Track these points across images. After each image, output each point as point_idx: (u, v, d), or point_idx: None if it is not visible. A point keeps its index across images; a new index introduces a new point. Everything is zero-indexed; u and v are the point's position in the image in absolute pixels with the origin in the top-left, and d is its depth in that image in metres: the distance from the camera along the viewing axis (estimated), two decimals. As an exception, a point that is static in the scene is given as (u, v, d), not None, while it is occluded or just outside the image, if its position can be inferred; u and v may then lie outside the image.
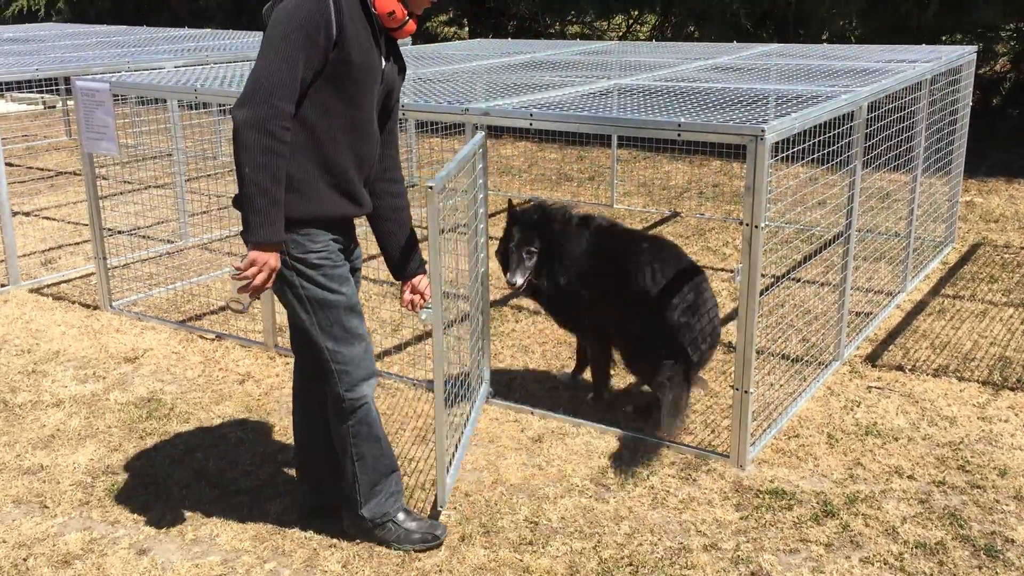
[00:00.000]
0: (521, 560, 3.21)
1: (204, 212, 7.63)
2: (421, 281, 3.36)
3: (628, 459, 3.86)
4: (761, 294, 3.66)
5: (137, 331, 5.37)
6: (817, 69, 5.41)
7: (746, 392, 3.69)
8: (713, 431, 4.06)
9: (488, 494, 3.63)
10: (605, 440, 4.01)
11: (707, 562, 3.18)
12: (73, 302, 5.86)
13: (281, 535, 3.38)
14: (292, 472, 3.79)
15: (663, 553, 3.23)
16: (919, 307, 5.58)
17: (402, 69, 3.17)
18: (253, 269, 2.86)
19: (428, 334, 5.24)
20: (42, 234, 7.43)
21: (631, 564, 3.18)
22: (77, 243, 7.23)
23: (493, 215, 7.85)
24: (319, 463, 3.36)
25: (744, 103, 4.13)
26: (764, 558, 3.19)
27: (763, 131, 3.42)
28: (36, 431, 4.20)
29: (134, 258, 6.65)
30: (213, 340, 5.21)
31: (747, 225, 3.54)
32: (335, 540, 3.34)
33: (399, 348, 5.08)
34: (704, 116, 3.76)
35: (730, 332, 5.23)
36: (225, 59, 7.41)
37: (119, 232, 7.43)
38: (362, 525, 3.27)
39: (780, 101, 4.11)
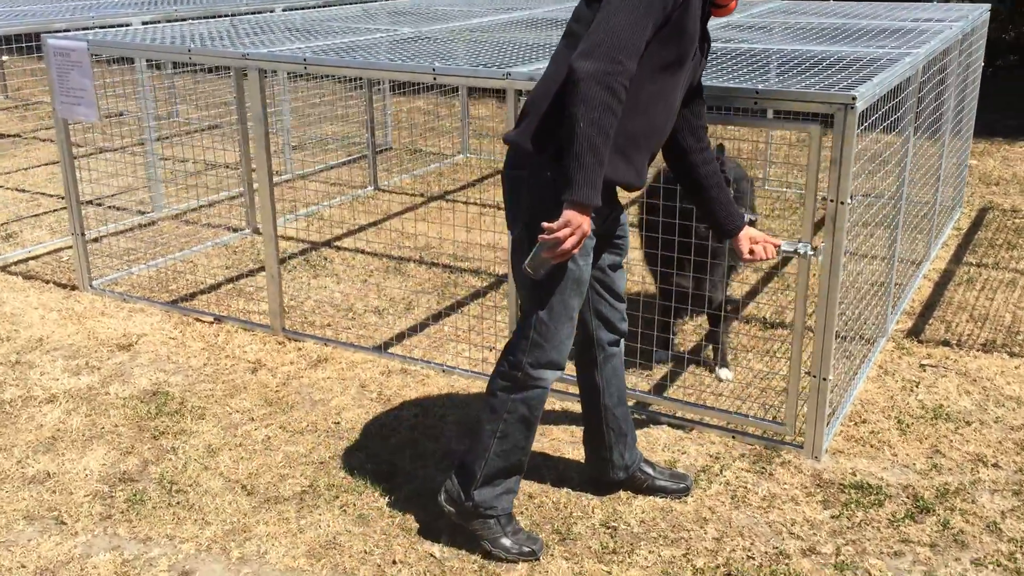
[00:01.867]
0: (609, 572, 2.94)
1: (172, 180, 7.14)
2: (751, 232, 3.19)
3: (694, 452, 3.61)
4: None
5: (124, 314, 4.93)
6: (847, 28, 5.15)
7: (824, 379, 3.46)
8: (773, 418, 3.83)
9: (555, 495, 3.34)
10: (663, 431, 3.76)
11: (810, 569, 2.95)
12: (46, 281, 5.38)
13: (337, 549, 3.06)
14: (334, 475, 3.46)
15: (760, 559, 2.99)
16: (946, 276, 5.42)
17: (710, 42, 3.01)
18: (566, 230, 2.59)
19: (444, 315, 4.91)
20: (-4, 204, 6.86)
21: (728, 574, 2.93)
22: (36, 215, 6.69)
23: (477, 182, 7.51)
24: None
25: (797, 66, 3.84)
26: (870, 563, 2.97)
27: (854, 98, 3.15)
28: (33, 432, 3.78)
29: (106, 231, 6.16)
30: (212, 323, 4.81)
31: (832, 201, 3.28)
32: (397, 554, 3.03)
33: (417, 330, 4.74)
34: (767, 82, 3.46)
35: (783, 311, 5.01)
36: (195, 14, 6.89)
37: (86, 203, 6.90)
38: (464, 506, 3.01)
39: (834, 65, 3.84)
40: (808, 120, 3.35)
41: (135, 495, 3.36)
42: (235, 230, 6.29)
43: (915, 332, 4.65)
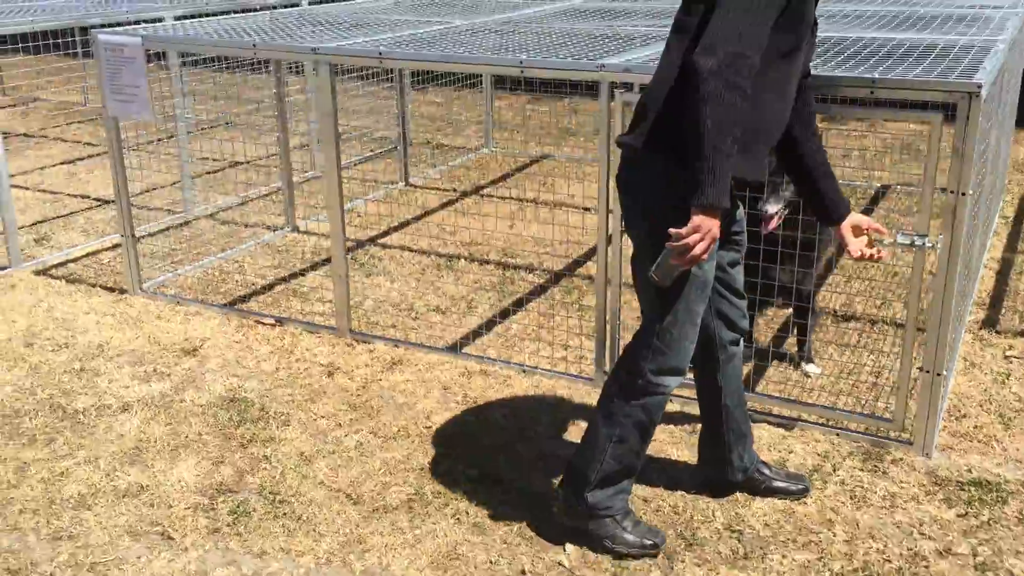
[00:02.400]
0: (746, 578, 2.87)
1: (206, 179, 6.98)
2: (855, 218, 3.07)
3: (801, 451, 3.54)
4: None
5: (181, 317, 4.79)
6: (912, 16, 5.08)
7: (939, 375, 3.40)
8: (870, 412, 3.77)
9: (671, 499, 3.26)
10: (764, 430, 3.69)
11: (948, 570, 2.89)
12: (92, 285, 5.23)
13: (462, 561, 2.96)
14: (438, 481, 3.36)
15: (897, 562, 2.93)
16: (1005, 265, 5.39)
17: (817, 24, 2.90)
18: (695, 236, 2.48)
19: (508, 313, 4.81)
20: (18, 205, 6.67)
21: (869, 576, 2.87)
22: (63, 215, 6.52)
23: (508, 175, 7.39)
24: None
25: (889, 55, 3.76)
26: (1009, 563, 2.92)
27: (979, 86, 3.08)
28: (115, 443, 3.66)
29: (143, 232, 6.01)
30: (274, 326, 4.69)
31: (952, 192, 3.21)
32: (523, 563, 2.94)
33: (485, 329, 4.64)
34: (872, 70, 3.38)
35: (852, 301, 4.94)
36: (225, 8, 6.73)
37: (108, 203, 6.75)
38: (578, 509, 2.96)
39: (927, 54, 3.76)
40: (927, 109, 3.28)
41: (238, 507, 3.25)
42: (274, 228, 6.16)
43: (990, 323, 4.61)
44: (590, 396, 3.93)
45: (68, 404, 3.95)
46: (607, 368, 4.01)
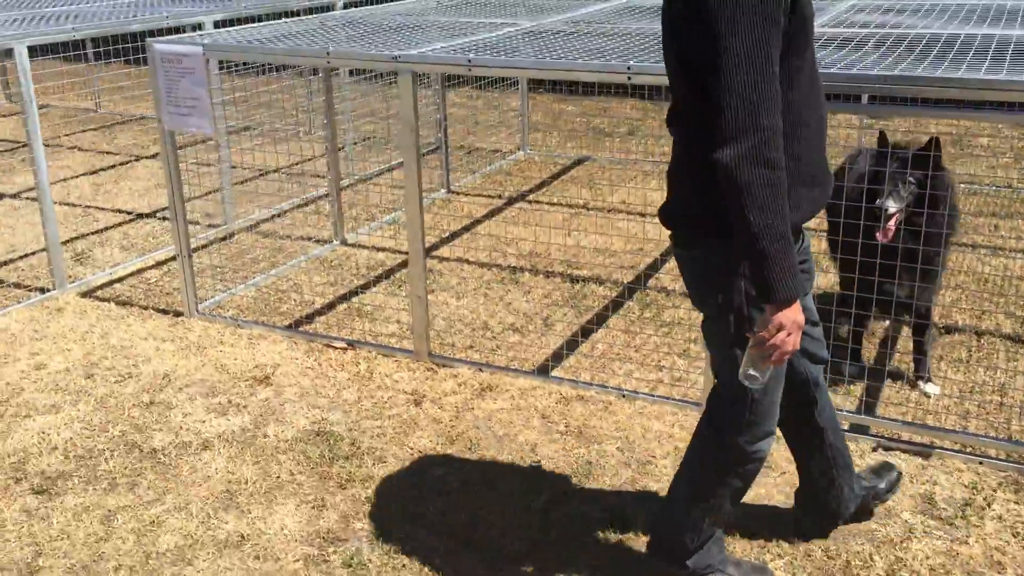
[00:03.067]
0: (926, 631, 2.64)
1: (249, 190, 6.70)
2: None
3: (946, 482, 3.31)
4: None
5: (245, 342, 4.52)
6: (995, 8, 4.86)
7: (1097, 399, 3.17)
8: (1007, 436, 3.54)
9: (817, 540, 3.03)
10: (899, 458, 3.45)
11: None
12: (144, 307, 4.95)
13: (611, 618, 2.72)
14: (562, 526, 3.12)
15: (1084, 608, 2.71)
16: (1093, 270, 5.19)
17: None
18: (782, 334, 2.21)
19: (588, 331, 4.56)
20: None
21: (1057, 627, 2.65)
22: (98, 231, 6.23)
23: (551, 180, 7.13)
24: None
25: (998, 53, 3.53)
26: None
27: None
28: (203, 485, 3.39)
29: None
30: (345, 349, 4.43)
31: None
32: (679, 619, 2.70)
33: (569, 349, 4.39)
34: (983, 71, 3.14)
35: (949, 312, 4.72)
36: (263, 11, 6.46)
37: (150, 215, 6.48)
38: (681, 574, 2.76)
39: None
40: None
41: (352, 558, 2.99)
42: (322, 242, 5.89)
43: (1101, 334, 4.40)
44: (702, 423, 3.69)
45: (144, 442, 3.69)
46: (718, 393, 3.76)
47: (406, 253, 5.64)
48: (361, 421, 3.81)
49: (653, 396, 3.92)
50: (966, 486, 3.29)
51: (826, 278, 5.04)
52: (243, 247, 5.82)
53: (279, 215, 6.42)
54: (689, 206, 2.41)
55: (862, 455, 3.48)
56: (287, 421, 3.82)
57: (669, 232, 2.53)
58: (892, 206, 3.54)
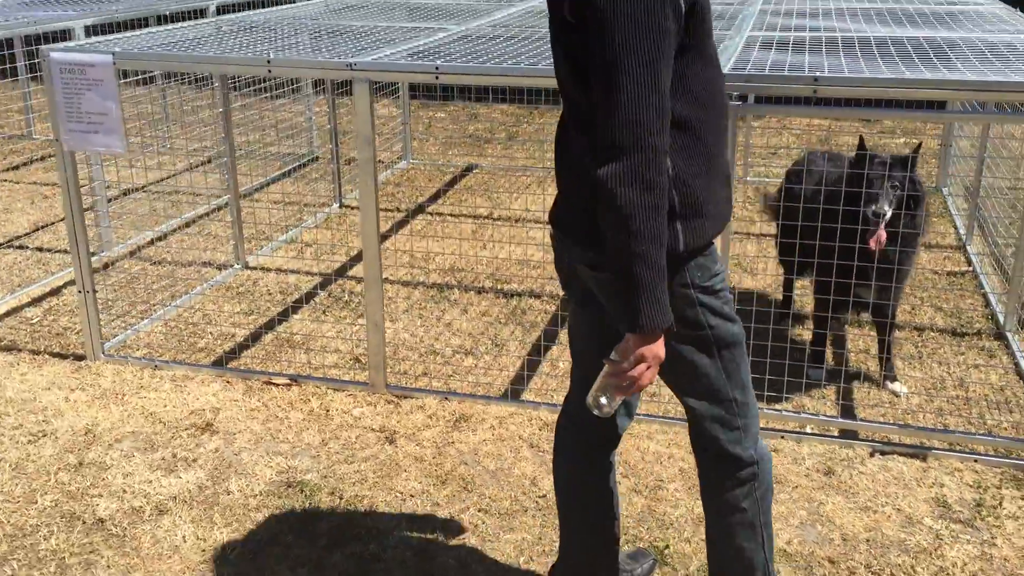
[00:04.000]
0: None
1: (126, 212, 6.08)
2: None
3: (951, 483, 3.32)
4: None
5: (170, 385, 4.05)
6: (907, 12, 5.01)
7: (1091, 392, 3.26)
8: (987, 431, 3.61)
9: (854, 555, 2.95)
10: (900, 462, 3.44)
11: None
12: (35, 352, 4.35)
13: (685, 665, 2.53)
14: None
15: None
16: None
17: None
18: (641, 367, 2.03)
19: (542, 349, 4.36)
20: None
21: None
22: (-49, 264, 5.50)
23: (445, 190, 6.88)
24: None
25: (943, 55, 3.61)
26: None
27: None
28: (174, 558, 2.96)
29: (58, 278, 5.12)
30: (289, 386, 4.03)
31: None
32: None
33: (528, 369, 4.17)
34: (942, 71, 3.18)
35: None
36: (135, 14, 5.88)
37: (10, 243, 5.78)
38: None
39: (991, 51, 3.65)
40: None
41: (380, 629, 2.67)
42: (222, 266, 5.40)
43: (1028, 322, 4.59)
44: (696, 441, 3.57)
45: (85, 512, 3.20)
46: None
47: (316, 275, 5.28)
48: (334, 466, 3.46)
49: (638, 415, 3.75)
50: (971, 485, 3.30)
51: (757, 281, 5.05)
52: (130, 277, 5.26)
53: (160, 239, 5.86)
54: (586, 226, 2.15)
55: (862, 461, 3.44)
56: (249, 473, 3.41)
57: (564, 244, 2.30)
58: (887, 208, 3.53)
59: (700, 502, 2.58)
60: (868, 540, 3.03)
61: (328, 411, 3.84)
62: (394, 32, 4.60)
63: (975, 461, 3.43)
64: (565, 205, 2.28)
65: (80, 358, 4.29)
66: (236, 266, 5.40)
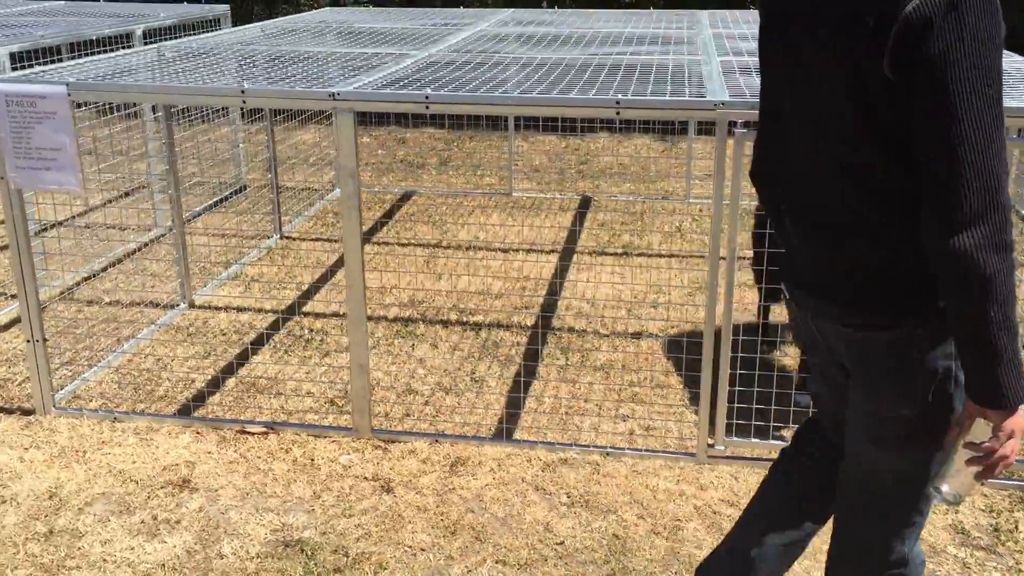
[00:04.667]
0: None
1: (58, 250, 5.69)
2: None
3: (964, 507, 3.31)
4: None
5: (135, 439, 3.75)
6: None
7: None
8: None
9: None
10: (908, 487, 3.42)
11: None
12: (-25, 407, 4.00)
13: None
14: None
15: None
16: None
17: None
18: (1012, 442, 1.87)
19: (521, 382, 4.23)
20: None
21: None
22: None
23: (387, 217, 6.69)
24: None
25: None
26: None
27: None
28: (176, 636, 2.71)
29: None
30: (266, 434, 3.79)
31: None
32: None
33: (515, 406, 4.02)
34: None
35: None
36: (60, 40, 5.52)
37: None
38: None
39: None
40: None
41: None
42: (166, 306, 5.08)
43: None
44: (703, 474, 3.48)
45: (65, 587, 2.90)
46: (712, 441, 3.57)
47: (270, 312, 5.02)
48: (332, 521, 3.24)
49: (639, 451, 3.65)
50: (984, 510, 3.30)
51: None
52: (68, 320, 4.90)
53: (90, 278, 5.49)
54: (885, 285, 1.98)
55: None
56: (241, 533, 3.16)
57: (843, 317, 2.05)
58: None
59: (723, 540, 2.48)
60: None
61: (313, 460, 3.61)
62: (356, 59, 4.42)
63: (982, 485, 3.43)
64: (820, 267, 2.04)
65: (28, 412, 3.95)
66: (182, 305, 5.10)
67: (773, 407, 3.85)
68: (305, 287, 5.42)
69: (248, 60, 4.40)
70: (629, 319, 4.93)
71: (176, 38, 6.50)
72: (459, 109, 3.35)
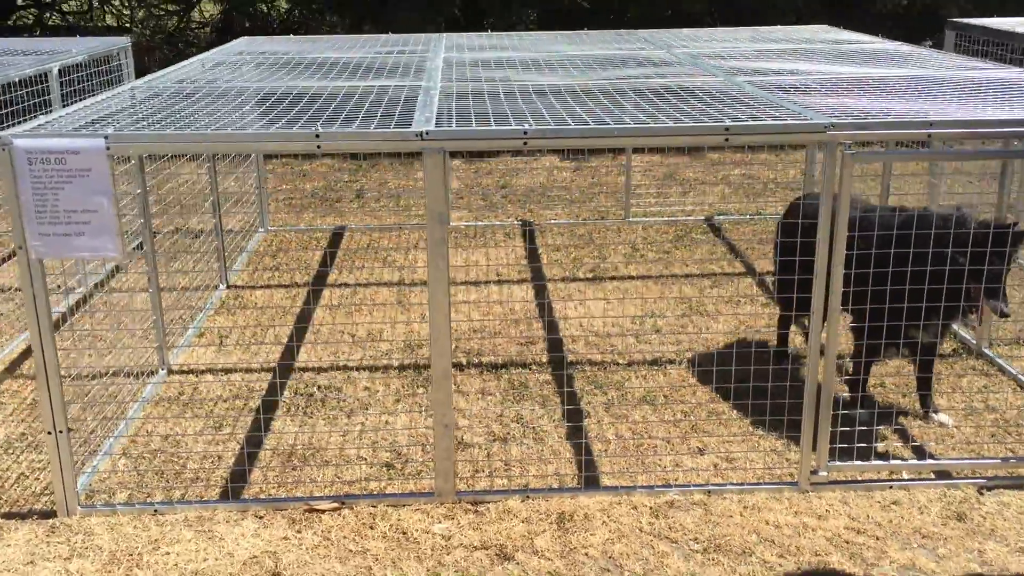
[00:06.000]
0: None
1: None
2: None
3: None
4: None
5: (191, 534, 3.31)
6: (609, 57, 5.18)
7: None
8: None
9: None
10: (1013, 495, 3.49)
11: None
12: (-22, 515, 3.43)
13: None
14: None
15: None
16: None
17: None
18: None
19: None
20: None
21: None
22: None
23: (330, 258, 6.35)
24: None
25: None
26: None
27: None
28: None
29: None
30: (337, 509, 3.45)
31: None
32: None
33: (583, 453, 3.84)
34: None
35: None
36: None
37: None
38: None
39: None
40: None
41: None
42: (145, 374, 4.55)
43: None
44: (813, 503, 3.43)
45: None
46: (816, 467, 3.52)
47: (260, 371, 4.61)
48: (467, 602, 2.96)
49: (741, 485, 3.56)
50: (1075, 507, 3.41)
51: (725, 323, 5.01)
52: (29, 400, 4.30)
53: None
54: None
55: (979, 501, 3.46)
56: (375, 629, 2.84)
57: None
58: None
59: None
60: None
61: (406, 533, 3.30)
62: (368, 93, 4.09)
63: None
64: None
65: (48, 515, 3.42)
66: (162, 371, 4.59)
67: (865, 427, 3.85)
68: (284, 340, 5.01)
69: (239, 98, 4.00)
70: (640, 345, 4.84)
71: (88, 73, 5.91)
72: (564, 143, 3.16)
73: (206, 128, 3.24)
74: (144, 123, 3.38)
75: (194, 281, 5.59)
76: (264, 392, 4.39)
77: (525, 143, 3.12)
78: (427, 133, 3.10)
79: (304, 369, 4.65)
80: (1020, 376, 4.39)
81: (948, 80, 4.17)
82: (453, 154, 8.78)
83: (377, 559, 3.16)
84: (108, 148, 3.07)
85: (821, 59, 4.99)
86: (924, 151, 3.45)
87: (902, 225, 3.69)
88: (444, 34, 6.53)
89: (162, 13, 13.11)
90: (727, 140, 3.14)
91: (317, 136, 3.10)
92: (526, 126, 3.14)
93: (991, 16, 7.32)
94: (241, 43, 6.31)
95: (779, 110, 3.41)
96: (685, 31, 6.64)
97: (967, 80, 4.18)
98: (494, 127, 3.17)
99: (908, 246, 3.57)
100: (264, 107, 3.73)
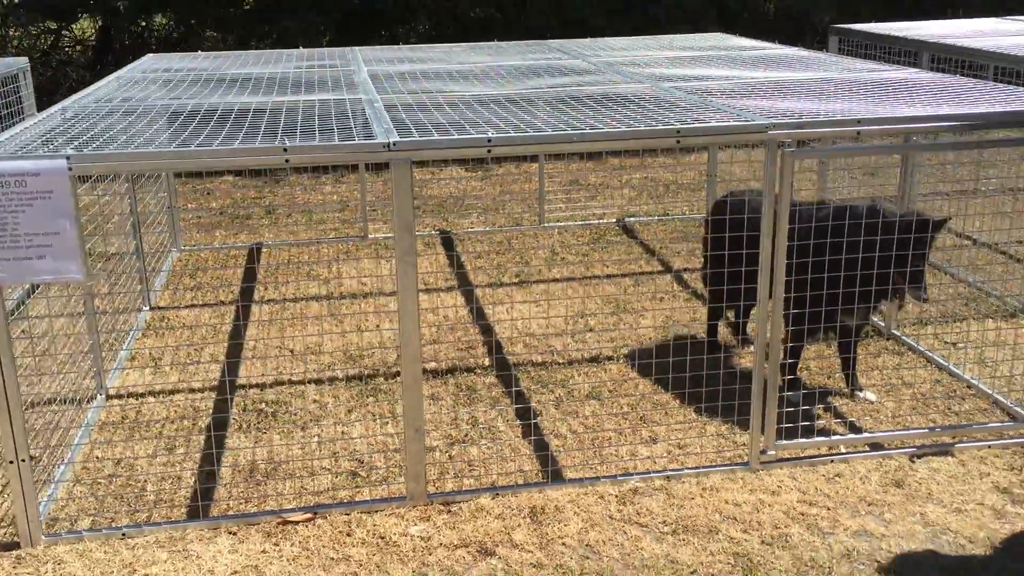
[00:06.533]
0: None
1: None
2: None
3: (992, 473, 3.71)
4: None
5: (166, 555, 3.29)
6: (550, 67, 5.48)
7: (1073, 368, 3.83)
8: (953, 422, 4.08)
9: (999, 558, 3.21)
10: (940, 462, 3.79)
11: None
12: (-66, 553, 3.32)
13: None
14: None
15: None
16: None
17: None
18: None
19: (516, 424, 4.19)
20: None
21: None
22: None
23: (251, 275, 6.32)
24: None
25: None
26: None
27: None
28: None
29: None
30: (311, 519, 3.47)
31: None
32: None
33: (541, 449, 3.97)
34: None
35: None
36: None
37: None
38: None
39: None
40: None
41: None
42: (83, 400, 4.45)
43: None
44: (764, 480, 3.65)
45: None
46: (764, 446, 3.74)
47: (203, 390, 4.57)
48: (457, 598, 3.05)
49: (695, 469, 3.74)
50: (1008, 469, 3.73)
51: (651, 319, 5.22)
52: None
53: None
54: None
55: (912, 468, 3.74)
56: (372, 630, 2.90)
57: None
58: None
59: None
60: (987, 538, 3.29)
61: (384, 537, 3.36)
62: (314, 109, 4.11)
63: (988, 447, 3.87)
64: None
65: (11, 547, 3.34)
66: (100, 396, 4.50)
67: (803, 407, 4.09)
68: (221, 358, 4.97)
69: (183, 115, 3.97)
70: (577, 344, 5.00)
71: (-6, 93, 5.73)
72: (524, 150, 3.28)
73: (167, 145, 3.23)
74: (99, 143, 3.34)
75: (114, 303, 5.47)
76: (211, 411, 4.36)
77: (489, 151, 3.24)
78: (394, 144, 3.18)
79: (248, 386, 4.63)
80: (928, 353, 4.74)
81: (856, 81, 4.48)
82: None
83: (361, 564, 3.21)
84: (71, 169, 3.03)
85: (731, 64, 5.26)
86: (860, 146, 3.73)
87: (828, 218, 3.96)
88: (358, 48, 6.56)
89: (37, 32, 12.64)
90: (678, 142, 3.33)
91: (285, 150, 3.14)
92: (490, 134, 3.26)
93: (854, 20, 7.89)
94: (148, 60, 6.21)
95: (720, 112, 3.62)
96: (591, 40, 6.86)
97: (872, 81, 4.50)
98: (459, 136, 3.27)
99: (839, 237, 3.84)
100: (213, 123, 3.72)
